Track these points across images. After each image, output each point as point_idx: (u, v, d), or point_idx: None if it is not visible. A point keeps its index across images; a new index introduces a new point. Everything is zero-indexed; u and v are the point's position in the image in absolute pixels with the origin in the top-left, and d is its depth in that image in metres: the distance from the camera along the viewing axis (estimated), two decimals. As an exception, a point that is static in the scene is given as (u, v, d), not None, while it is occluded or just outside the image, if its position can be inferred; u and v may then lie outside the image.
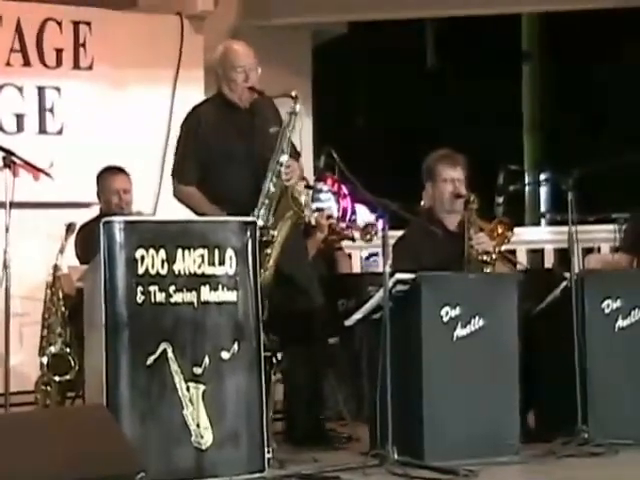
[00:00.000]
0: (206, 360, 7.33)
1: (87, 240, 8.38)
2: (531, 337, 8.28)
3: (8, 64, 10.41)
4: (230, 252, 7.43)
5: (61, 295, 8.53)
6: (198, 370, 7.30)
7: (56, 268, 8.56)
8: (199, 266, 7.36)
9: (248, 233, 7.48)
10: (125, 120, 10.43)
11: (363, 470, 7.36)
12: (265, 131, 8.30)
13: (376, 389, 7.69)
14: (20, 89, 10.48)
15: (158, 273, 7.23)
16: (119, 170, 9.21)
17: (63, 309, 8.49)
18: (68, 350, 8.01)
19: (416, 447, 7.60)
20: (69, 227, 8.28)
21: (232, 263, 7.43)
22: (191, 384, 7.28)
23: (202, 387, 7.30)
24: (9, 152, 8.36)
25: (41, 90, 10.54)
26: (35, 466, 5.50)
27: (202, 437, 7.25)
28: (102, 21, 10.67)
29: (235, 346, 7.42)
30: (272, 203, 8.08)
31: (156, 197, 9.91)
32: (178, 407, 7.22)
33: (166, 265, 7.24)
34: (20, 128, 10.41)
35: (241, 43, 8.26)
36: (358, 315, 8.04)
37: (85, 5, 10.63)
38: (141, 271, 7.20)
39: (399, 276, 7.75)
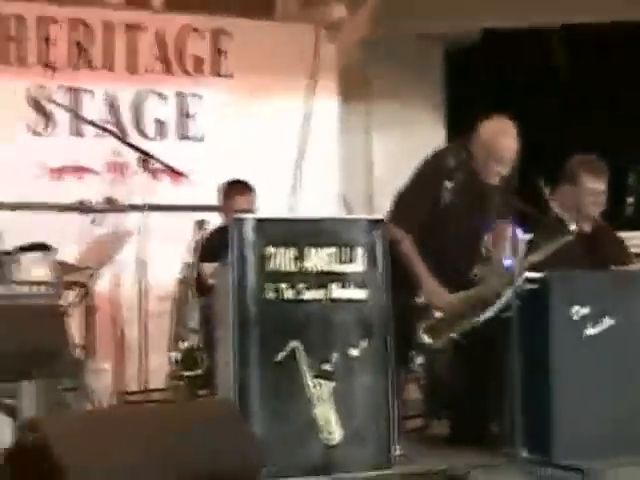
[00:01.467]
0: (335, 357, 7.48)
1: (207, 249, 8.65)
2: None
3: (150, 71, 10.77)
4: (360, 250, 7.51)
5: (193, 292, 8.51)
6: (327, 367, 7.47)
7: (187, 267, 8.68)
8: (329, 264, 7.46)
9: (378, 232, 7.53)
10: (261, 127, 10.66)
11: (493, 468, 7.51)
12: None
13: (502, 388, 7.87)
14: (161, 96, 10.82)
15: (288, 270, 7.37)
16: (244, 188, 9.44)
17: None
18: (199, 346, 8.13)
19: (545, 446, 7.64)
20: (200, 224, 8.42)
21: (362, 261, 7.49)
22: (320, 381, 7.45)
23: (331, 384, 7.47)
24: (149, 155, 8.61)
25: (182, 97, 10.83)
26: (164, 456, 5.69)
27: (331, 433, 7.44)
28: (241, 30, 11.00)
29: (364, 343, 7.56)
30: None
31: (289, 202, 9.98)
32: (307, 403, 7.40)
33: (296, 263, 7.39)
34: (161, 134, 10.78)
35: (511, 134, 8.39)
36: (489, 313, 8.13)
37: (224, 15, 10.91)
38: (271, 268, 7.32)
39: (528, 274, 7.84)
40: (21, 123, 10.34)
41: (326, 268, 7.54)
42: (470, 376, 8.31)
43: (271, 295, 7.40)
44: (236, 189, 9.25)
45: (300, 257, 7.45)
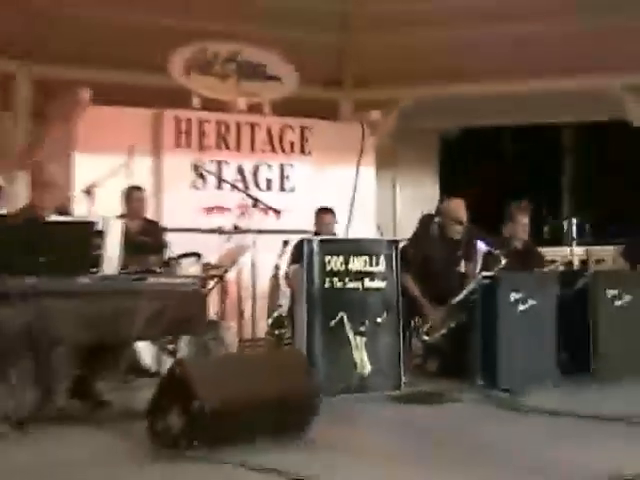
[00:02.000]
0: (367, 323, 7.62)
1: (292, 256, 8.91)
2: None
3: (262, 151, 10.89)
4: (382, 258, 7.62)
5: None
6: (362, 328, 7.59)
7: (276, 267, 8.83)
8: (363, 266, 7.66)
9: (393, 247, 7.57)
10: (329, 185, 10.98)
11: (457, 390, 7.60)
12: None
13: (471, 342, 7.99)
14: (269, 166, 10.91)
15: (338, 270, 7.56)
16: (329, 210, 9.51)
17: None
18: (284, 315, 8.06)
19: (492, 376, 7.72)
20: (285, 242, 8.42)
21: (383, 265, 7.63)
22: (358, 337, 7.58)
23: (364, 339, 7.59)
24: (260, 200, 8.80)
25: (282, 166, 10.84)
26: (250, 387, 5.75)
27: (364, 368, 7.61)
28: (318, 126, 11.11)
29: (384, 314, 7.69)
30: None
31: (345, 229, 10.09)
32: (350, 350, 7.57)
33: (343, 265, 7.56)
34: (269, 188, 10.86)
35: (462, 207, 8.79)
36: (461, 296, 8.28)
37: (307, 117, 11.04)
38: (328, 269, 7.50)
39: (485, 273, 8.10)
40: (187, 181, 10.23)
41: (361, 269, 7.66)
42: (452, 335, 8.35)
43: (327, 285, 7.53)
44: (325, 210, 9.39)
45: (346, 262, 7.60)
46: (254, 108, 10.99)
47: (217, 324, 8.44)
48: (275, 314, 8.29)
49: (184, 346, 7.65)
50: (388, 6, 11.29)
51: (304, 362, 6.35)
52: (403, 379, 7.68)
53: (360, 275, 7.63)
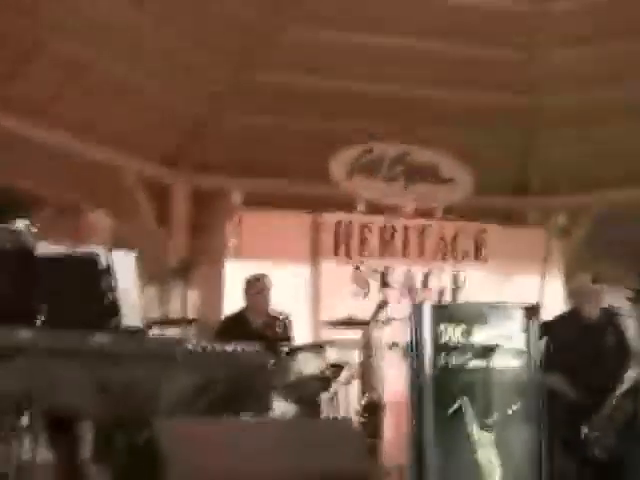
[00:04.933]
0: (495, 414, 5.06)
1: None
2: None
3: (433, 258, 8.70)
4: (516, 329, 5.11)
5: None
6: (489, 421, 5.06)
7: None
8: (491, 339, 5.16)
9: (532, 316, 5.04)
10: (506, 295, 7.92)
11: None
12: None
13: None
14: (441, 273, 8.66)
15: (457, 343, 5.12)
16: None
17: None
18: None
19: None
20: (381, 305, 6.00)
21: (518, 338, 5.07)
22: (484, 431, 5.05)
23: (492, 434, 5.06)
24: None
25: (456, 274, 8.62)
26: (259, 466, 3.29)
27: (492, 472, 5.03)
28: (495, 232, 8.97)
29: (519, 403, 5.11)
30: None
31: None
32: (473, 449, 5.03)
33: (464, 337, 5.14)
34: (441, 297, 8.64)
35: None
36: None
37: (484, 222, 8.86)
38: (442, 341, 5.09)
39: None
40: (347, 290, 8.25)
41: (488, 343, 5.17)
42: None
43: (442, 362, 5.12)
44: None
45: (467, 333, 5.17)
46: (423, 213, 8.90)
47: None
48: (366, 397, 5.74)
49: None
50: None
51: (355, 433, 3.98)
52: (546, 491, 5.04)
53: (486, 351, 5.18)
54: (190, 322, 7.03)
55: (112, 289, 4.38)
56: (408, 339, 5.19)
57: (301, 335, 7.30)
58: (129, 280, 4.46)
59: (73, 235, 5.23)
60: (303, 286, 8.43)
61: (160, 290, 8.85)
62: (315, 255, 8.49)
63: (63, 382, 4.31)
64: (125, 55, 7.84)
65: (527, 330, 5.27)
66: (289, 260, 8.42)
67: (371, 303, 7.59)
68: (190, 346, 4.59)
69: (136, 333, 4.56)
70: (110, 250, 4.44)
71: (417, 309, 5.19)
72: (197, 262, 8.69)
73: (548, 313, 5.98)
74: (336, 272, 8.36)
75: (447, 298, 8.54)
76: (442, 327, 5.14)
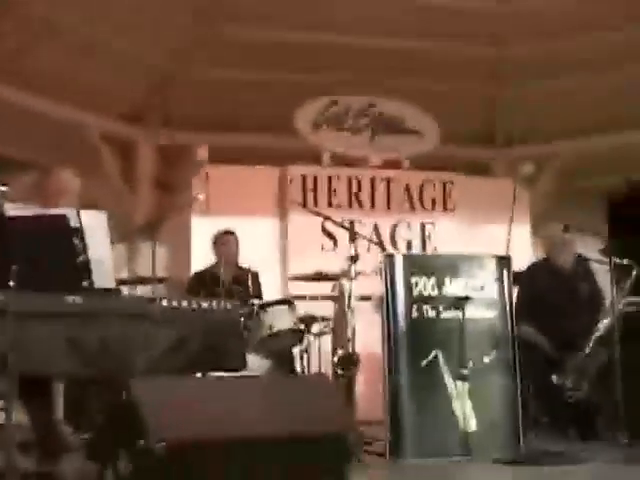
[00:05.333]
0: (470, 363, 5.16)
1: None
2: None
3: (400, 209, 8.57)
4: (489, 279, 5.13)
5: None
6: (464, 371, 5.15)
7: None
8: (464, 290, 5.26)
9: (504, 266, 4.89)
10: (474, 244, 8.04)
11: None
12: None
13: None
14: (409, 224, 8.54)
15: (430, 295, 5.20)
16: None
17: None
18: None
19: None
20: (353, 258, 5.91)
21: (491, 288, 5.00)
22: (458, 382, 5.14)
23: (467, 385, 5.15)
24: None
25: (423, 225, 8.62)
26: (240, 420, 3.26)
27: (467, 423, 5.12)
28: (462, 182, 8.86)
29: (493, 352, 5.22)
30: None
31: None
32: (448, 400, 5.15)
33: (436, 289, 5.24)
34: (409, 249, 8.45)
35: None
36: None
37: (451, 172, 8.79)
38: (416, 293, 5.18)
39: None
40: (316, 244, 8.20)
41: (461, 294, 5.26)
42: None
43: (415, 314, 5.24)
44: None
45: (439, 284, 5.31)
46: (390, 164, 8.83)
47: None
48: (340, 351, 5.72)
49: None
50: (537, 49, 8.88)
51: (331, 388, 3.95)
52: (523, 437, 5.07)
53: (459, 302, 5.18)
54: (160, 280, 6.97)
55: (83, 249, 4.29)
56: (381, 291, 5.18)
57: (271, 290, 7.27)
58: (100, 240, 4.38)
59: (41, 196, 5.13)
60: (271, 240, 8.37)
61: (127, 249, 8.76)
62: (283, 209, 8.42)
63: (37, 344, 4.23)
64: (91, 11, 7.67)
65: (500, 280, 5.28)
66: (257, 215, 8.34)
67: (340, 256, 7.56)
68: (164, 303, 4.52)
69: (109, 293, 4.48)
70: (80, 210, 4.35)
71: (389, 261, 5.18)
72: (164, 219, 8.61)
73: (516, 263, 5.98)
74: (304, 226, 8.28)
75: (416, 250, 8.51)
76: (415, 279, 5.14)
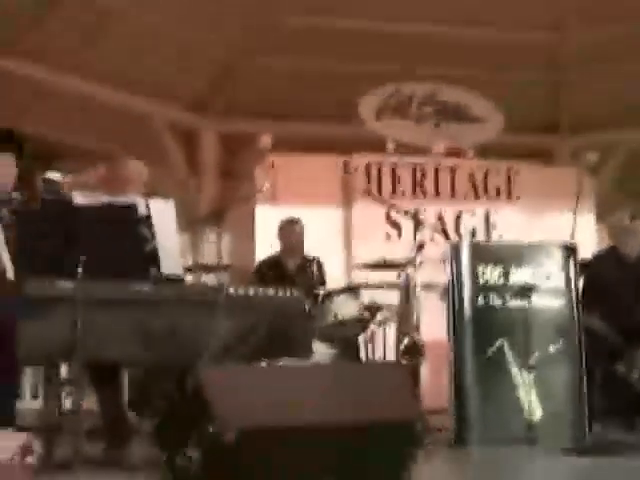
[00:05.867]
0: (536, 353, 5.04)
1: None
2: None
3: (465, 197, 8.50)
4: (556, 269, 5.12)
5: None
6: (530, 360, 5.04)
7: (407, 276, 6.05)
8: (530, 279, 5.15)
9: (571, 255, 4.90)
10: (539, 234, 7.83)
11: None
12: None
13: None
14: (473, 213, 8.49)
15: (496, 284, 5.11)
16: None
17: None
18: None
19: None
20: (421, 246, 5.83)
21: (557, 277, 5.11)
22: (524, 371, 5.04)
23: (533, 374, 5.04)
24: None
25: (487, 213, 8.58)
26: (309, 409, 3.48)
27: (532, 413, 5.01)
28: (526, 170, 8.73)
29: (559, 342, 5.10)
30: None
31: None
32: (513, 389, 5.05)
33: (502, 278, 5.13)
34: (473, 237, 8.39)
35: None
36: None
37: (515, 160, 8.67)
38: (482, 282, 5.10)
39: None
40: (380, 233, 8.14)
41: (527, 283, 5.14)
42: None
43: (481, 303, 5.13)
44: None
45: (505, 273, 5.17)
46: (454, 152, 8.77)
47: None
48: (406, 340, 5.67)
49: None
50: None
51: (399, 376, 3.93)
52: (589, 428, 5.02)
53: (525, 291, 5.13)
54: (225, 268, 7.01)
55: (152, 238, 4.34)
56: (447, 280, 5.14)
57: (335, 278, 7.26)
58: (168, 228, 4.42)
59: (109, 185, 5.18)
60: (336, 229, 8.36)
61: (192, 237, 8.83)
62: (347, 197, 8.41)
63: (105, 331, 4.29)
64: (155, 2, 7.74)
65: (566, 269, 5.21)
66: (321, 203, 8.34)
67: (404, 245, 7.53)
68: (231, 291, 4.55)
69: (177, 281, 4.52)
70: (148, 199, 4.39)
71: (455, 250, 5.14)
72: (228, 208, 8.66)
73: (581, 252, 5.88)
74: (368, 214, 8.26)
75: (480, 238, 8.44)
76: (481, 267, 5.10)
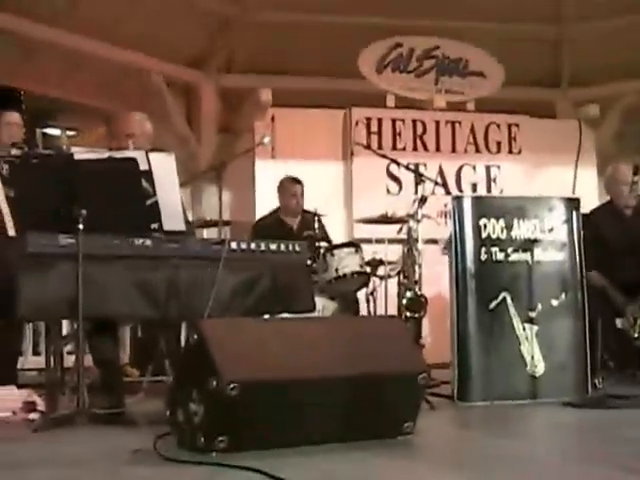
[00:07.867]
0: (539, 306, 5.00)
1: None
2: None
3: (465, 151, 8.35)
4: (558, 222, 5.07)
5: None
6: (532, 314, 4.99)
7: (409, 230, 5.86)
8: (532, 232, 5.07)
9: (573, 208, 4.77)
10: (540, 188, 8.09)
11: None
12: None
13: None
14: (474, 167, 8.39)
15: (499, 238, 5.02)
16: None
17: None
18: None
19: None
20: (423, 199, 5.73)
21: (560, 231, 5.03)
22: (526, 325, 4.98)
23: (535, 327, 4.97)
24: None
25: (488, 168, 8.42)
26: (310, 361, 3.39)
27: (536, 367, 4.98)
28: (527, 124, 8.65)
29: (563, 295, 5.05)
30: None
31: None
32: (516, 343, 5.00)
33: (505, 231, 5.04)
34: (474, 192, 8.35)
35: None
36: None
37: (516, 114, 8.59)
38: (484, 235, 5.01)
39: None
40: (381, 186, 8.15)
41: (530, 236, 5.11)
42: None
43: (484, 257, 5.04)
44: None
45: (508, 227, 5.09)
46: (455, 106, 8.66)
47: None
48: (409, 294, 5.62)
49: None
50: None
51: (401, 329, 3.88)
52: (591, 381, 4.98)
53: (528, 244, 5.06)
54: (226, 223, 6.94)
55: (153, 192, 4.25)
56: (449, 234, 5.07)
57: (336, 232, 7.21)
58: (170, 182, 4.33)
59: (113, 138, 5.10)
60: (336, 183, 8.28)
61: (192, 192, 8.74)
62: (347, 152, 8.32)
63: (106, 287, 4.23)
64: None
65: (569, 222, 5.14)
66: (321, 158, 8.26)
67: (405, 199, 7.45)
68: (233, 246, 4.48)
69: (178, 235, 4.45)
70: (148, 152, 4.30)
71: (458, 203, 5.07)
72: (228, 163, 8.55)
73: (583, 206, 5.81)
74: (369, 168, 8.18)
75: (481, 192, 8.37)
76: (483, 221, 5.03)
